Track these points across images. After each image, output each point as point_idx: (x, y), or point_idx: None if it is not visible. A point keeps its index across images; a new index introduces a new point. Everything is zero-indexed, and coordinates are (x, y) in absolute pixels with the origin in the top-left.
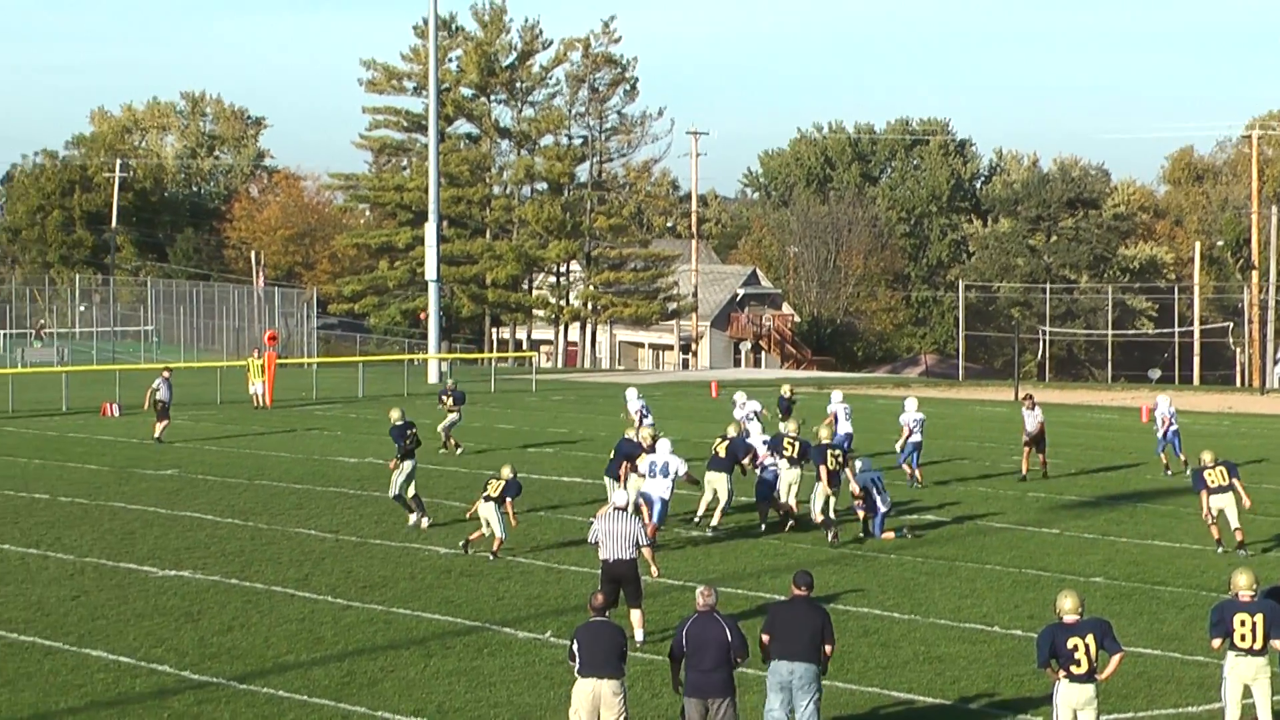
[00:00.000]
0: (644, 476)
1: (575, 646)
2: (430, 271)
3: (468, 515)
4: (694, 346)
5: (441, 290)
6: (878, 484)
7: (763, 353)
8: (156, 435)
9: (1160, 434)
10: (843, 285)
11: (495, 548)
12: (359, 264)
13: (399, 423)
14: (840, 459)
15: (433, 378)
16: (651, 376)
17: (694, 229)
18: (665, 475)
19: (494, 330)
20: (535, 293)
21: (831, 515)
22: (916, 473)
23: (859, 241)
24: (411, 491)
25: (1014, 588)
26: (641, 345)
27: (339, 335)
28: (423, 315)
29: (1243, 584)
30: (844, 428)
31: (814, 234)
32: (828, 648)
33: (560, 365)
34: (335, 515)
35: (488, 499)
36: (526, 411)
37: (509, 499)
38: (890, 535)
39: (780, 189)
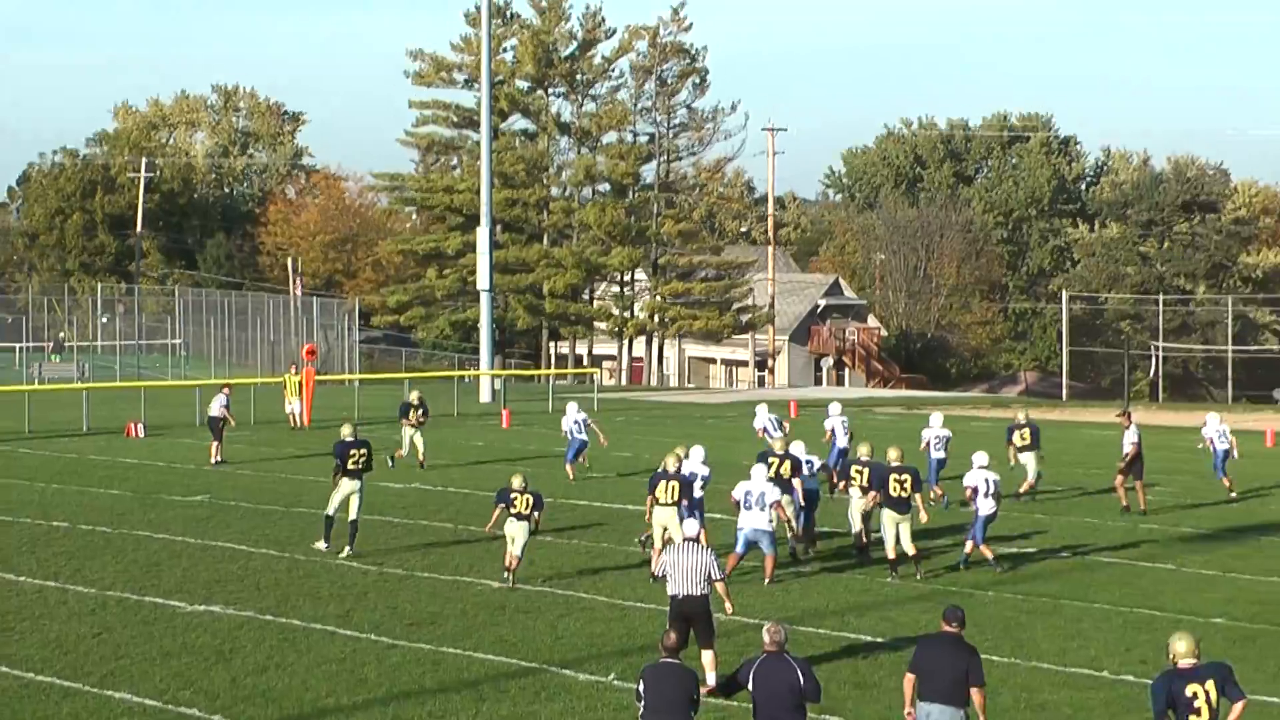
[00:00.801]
0: (740, 507)
1: (641, 688)
2: (482, 280)
3: (487, 529)
4: (771, 363)
5: (494, 301)
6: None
7: (846, 369)
8: (215, 458)
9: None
10: (934, 296)
11: (513, 566)
12: (405, 272)
13: (347, 439)
14: (908, 484)
15: (485, 396)
16: (723, 395)
17: (770, 234)
18: (762, 506)
19: (552, 345)
20: (597, 304)
21: (908, 549)
22: (943, 495)
23: (952, 248)
24: (352, 515)
25: (1125, 628)
26: (713, 361)
27: (383, 350)
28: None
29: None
30: (841, 443)
31: (902, 239)
32: (976, 692)
33: (624, 383)
34: (379, 546)
35: (519, 517)
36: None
37: (537, 514)
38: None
39: (865, 190)
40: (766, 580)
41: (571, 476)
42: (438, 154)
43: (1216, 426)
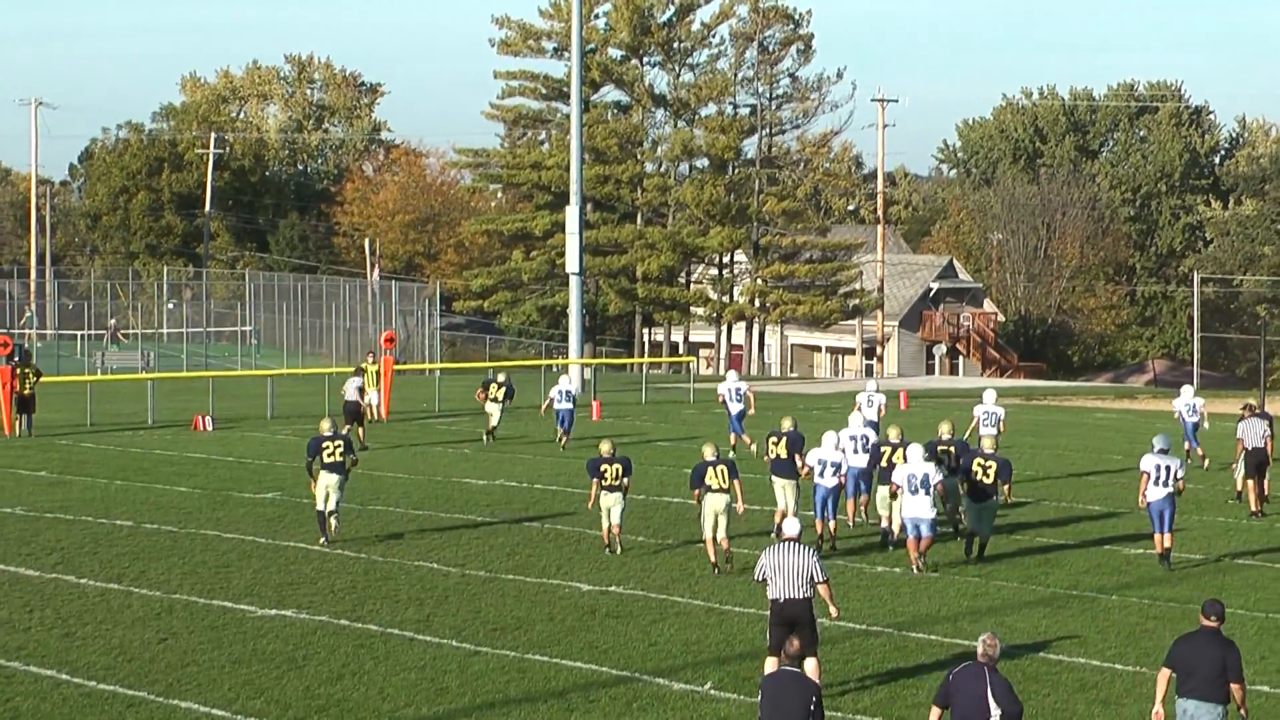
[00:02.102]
0: (899, 491)
1: (761, 699)
2: (572, 263)
3: (589, 505)
4: (880, 350)
5: (584, 285)
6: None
7: (960, 358)
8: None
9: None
10: (1055, 278)
11: (617, 532)
12: (489, 254)
13: (324, 433)
14: (991, 471)
15: (575, 386)
16: (829, 385)
17: (880, 213)
18: (926, 490)
19: (645, 331)
20: (694, 288)
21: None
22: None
23: (1075, 227)
24: (331, 506)
25: (1260, 636)
26: (818, 349)
27: (466, 337)
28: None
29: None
30: (986, 432)
31: (1021, 218)
32: (1235, 687)
33: (722, 372)
34: (461, 546)
35: (611, 488)
36: (682, 425)
37: (627, 479)
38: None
39: (982, 165)
40: (917, 564)
41: (749, 442)
42: (525, 128)
43: (1187, 400)
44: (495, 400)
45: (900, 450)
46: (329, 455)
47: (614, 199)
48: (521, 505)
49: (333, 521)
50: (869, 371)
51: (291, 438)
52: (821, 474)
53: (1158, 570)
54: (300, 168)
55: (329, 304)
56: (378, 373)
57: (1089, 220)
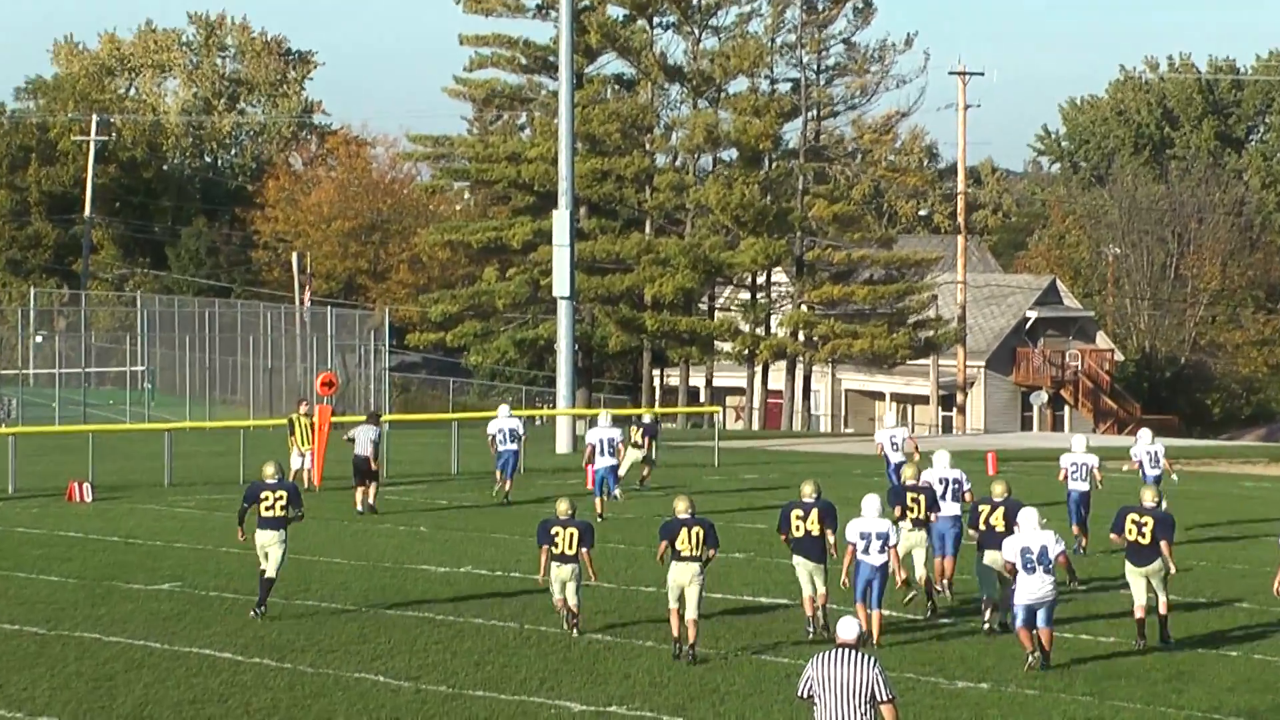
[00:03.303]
0: (1013, 571)
1: None
2: (560, 285)
3: (540, 580)
4: (960, 398)
5: (578, 313)
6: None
7: (1066, 408)
8: (361, 504)
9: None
10: (1190, 305)
11: (577, 621)
12: (453, 273)
13: (267, 480)
14: (1148, 530)
15: (562, 445)
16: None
17: (961, 219)
18: (1047, 568)
19: (657, 373)
20: (719, 316)
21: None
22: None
23: (1215, 238)
24: (270, 572)
25: None
26: (880, 396)
27: (424, 380)
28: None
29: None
30: (895, 459)
31: (1146, 227)
32: None
33: (757, 427)
34: (415, 654)
35: (564, 558)
36: (705, 496)
37: (585, 550)
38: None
39: (1094, 158)
40: (1035, 659)
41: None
42: (499, 109)
43: (1147, 446)
44: (636, 445)
45: (999, 510)
46: (267, 508)
47: (615, 201)
48: (493, 600)
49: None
50: (946, 426)
51: (195, 511)
52: (866, 550)
53: None
54: (208, 160)
55: (245, 337)
56: (310, 427)
57: (1233, 230)
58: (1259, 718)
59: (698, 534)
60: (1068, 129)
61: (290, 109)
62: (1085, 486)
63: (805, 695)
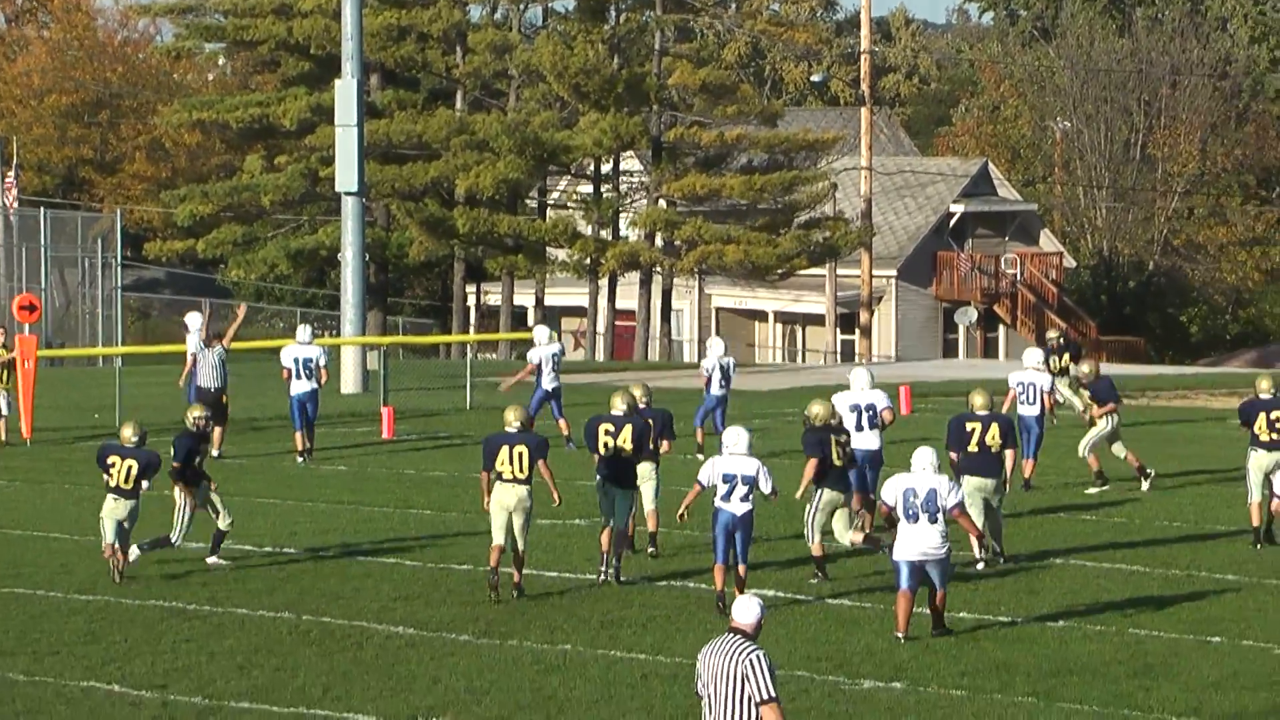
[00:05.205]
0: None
1: None
2: (346, 177)
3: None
4: (866, 317)
5: (370, 213)
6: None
7: (1001, 327)
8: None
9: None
10: (1161, 195)
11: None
12: (205, 163)
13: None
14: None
15: (350, 384)
16: (782, 377)
17: (865, 87)
18: (932, 518)
19: (472, 290)
20: (553, 216)
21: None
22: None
23: (1193, 108)
24: (132, 555)
25: None
26: (761, 317)
27: (169, 302)
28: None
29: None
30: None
31: (1104, 94)
32: None
33: (602, 357)
34: (160, 656)
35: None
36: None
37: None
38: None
39: (1037, 5)
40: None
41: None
42: None
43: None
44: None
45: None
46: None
47: (417, 67)
48: (262, 582)
49: (132, 553)
50: (849, 353)
51: None
52: (728, 496)
53: None
54: None
55: None
56: (11, 363)
57: (1215, 97)
58: (1250, 718)
59: (520, 454)
60: None
61: None
62: (1036, 410)
63: (699, 693)
